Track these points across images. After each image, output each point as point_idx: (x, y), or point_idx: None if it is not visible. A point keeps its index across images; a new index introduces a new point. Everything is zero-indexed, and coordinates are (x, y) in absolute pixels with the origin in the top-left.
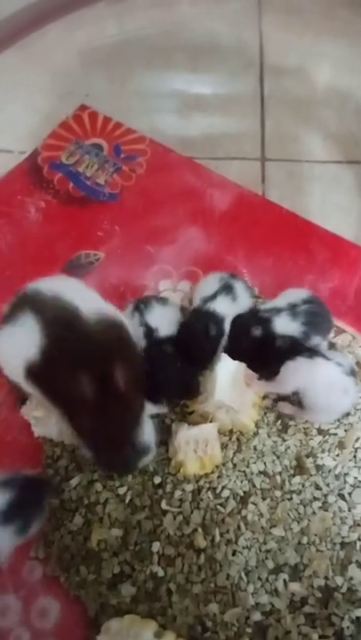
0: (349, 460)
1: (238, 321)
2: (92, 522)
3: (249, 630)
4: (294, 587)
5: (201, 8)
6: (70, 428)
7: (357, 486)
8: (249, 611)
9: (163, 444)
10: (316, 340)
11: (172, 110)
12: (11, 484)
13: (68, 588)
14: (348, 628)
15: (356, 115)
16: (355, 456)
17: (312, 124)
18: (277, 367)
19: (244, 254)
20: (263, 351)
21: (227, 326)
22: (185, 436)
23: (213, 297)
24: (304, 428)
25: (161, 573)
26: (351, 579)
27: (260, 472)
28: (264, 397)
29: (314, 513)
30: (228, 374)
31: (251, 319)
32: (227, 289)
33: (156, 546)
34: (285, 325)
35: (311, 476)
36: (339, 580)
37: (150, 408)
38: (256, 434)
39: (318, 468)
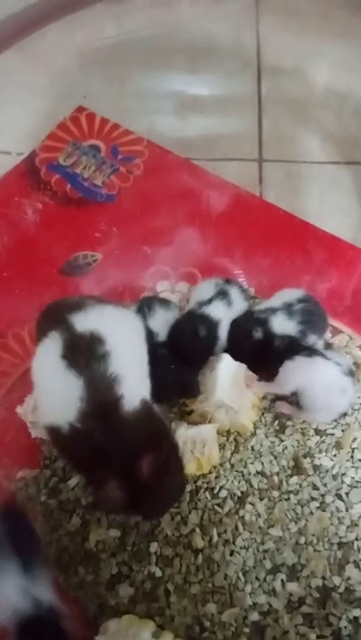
0: (347, 461)
1: (237, 324)
2: (90, 522)
3: (247, 630)
4: (292, 587)
5: (199, 9)
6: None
7: (355, 486)
8: (247, 611)
9: None
10: (313, 340)
11: (170, 111)
12: None
13: (67, 588)
14: (345, 627)
15: (354, 115)
16: (352, 456)
17: (310, 125)
18: (276, 367)
19: (241, 255)
20: (262, 352)
21: (223, 329)
22: (183, 436)
23: (209, 302)
24: (301, 429)
25: (159, 574)
26: (349, 578)
27: (258, 472)
28: (263, 398)
29: (311, 513)
30: (228, 374)
31: (249, 321)
32: (222, 294)
33: (153, 546)
34: (282, 325)
35: (309, 476)
36: (336, 580)
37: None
38: (254, 434)
39: (316, 468)
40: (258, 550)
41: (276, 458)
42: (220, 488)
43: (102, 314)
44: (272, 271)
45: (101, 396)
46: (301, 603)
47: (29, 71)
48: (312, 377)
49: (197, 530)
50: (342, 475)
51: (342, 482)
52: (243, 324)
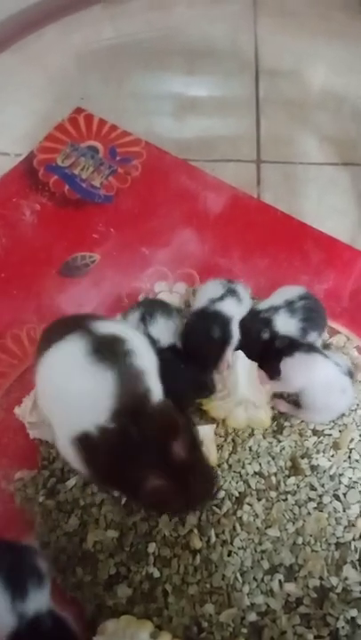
0: (344, 461)
1: (247, 323)
2: (88, 523)
3: (244, 631)
4: (290, 587)
5: (196, 11)
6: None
7: (352, 487)
8: (244, 611)
9: None
10: (313, 337)
11: (168, 113)
12: None
13: (65, 589)
14: (343, 628)
15: (351, 117)
16: (349, 457)
17: (308, 127)
18: (277, 365)
19: (239, 256)
20: (267, 351)
21: (236, 326)
22: None
23: (221, 298)
24: (299, 429)
25: (157, 574)
26: (346, 579)
27: (256, 473)
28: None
29: (309, 513)
30: (246, 371)
31: (257, 321)
32: (232, 292)
33: (151, 547)
34: (285, 323)
35: (306, 476)
36: (334, 581)
37: None
38: (251, 435)
39: (313, 468)
40: (255, 551)
41: (273, 458)
42: (218, 489)
43: (114, 323)
44: (270, 272)
45: (133, 389)
46: (299, 603)
47: (27, 72)
48: (312, 376)
49: (195, 530)
50: (340, 475)
51: (340, 482)
52: (252, 324)
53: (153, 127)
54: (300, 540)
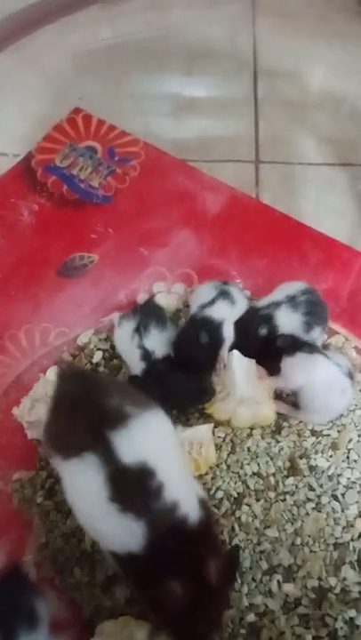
0: (342, 461)
1: (244, 321)
2: None
3: (243, 631)
4: (288, 588)
5: (195, 11)
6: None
7: (350, 487)
8: (243, 612)
9: None
10: (317, 332)
11: (166, 113)
12: None
13: (63, 589)
14: (341, 628)
15: (349, 117)
16: (348, 457)
17: (306, 127)
18: (278, 363)
19: (237, 256)
20: (267, 348)
21: (229, 328)
22: (179, 437)
23: (212, 303)
24: (297, 430)
25: None
26: (345, 579)
27: (254, 473)
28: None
29: (307, 514)
30: (242, 369)
31: (255, 318)
32: (224, 294)
33: None
34: (287, 317)
35: (305, 477)
36: (332, 581)
37: None
38: (250, 435)
39: (312, 469)
40: (254, 551)
41: (272, 459)
42: (217, 489)
43: (138, 434)
44: (268, 272)
45: (168, 522)
46: (297, 603)
47: (25, 73)
48: (313, 376)
49: None
50: (338, 475)
51: (338, 482)
52: (249, 322)
53: (151, 127)
54: (298, 541)
